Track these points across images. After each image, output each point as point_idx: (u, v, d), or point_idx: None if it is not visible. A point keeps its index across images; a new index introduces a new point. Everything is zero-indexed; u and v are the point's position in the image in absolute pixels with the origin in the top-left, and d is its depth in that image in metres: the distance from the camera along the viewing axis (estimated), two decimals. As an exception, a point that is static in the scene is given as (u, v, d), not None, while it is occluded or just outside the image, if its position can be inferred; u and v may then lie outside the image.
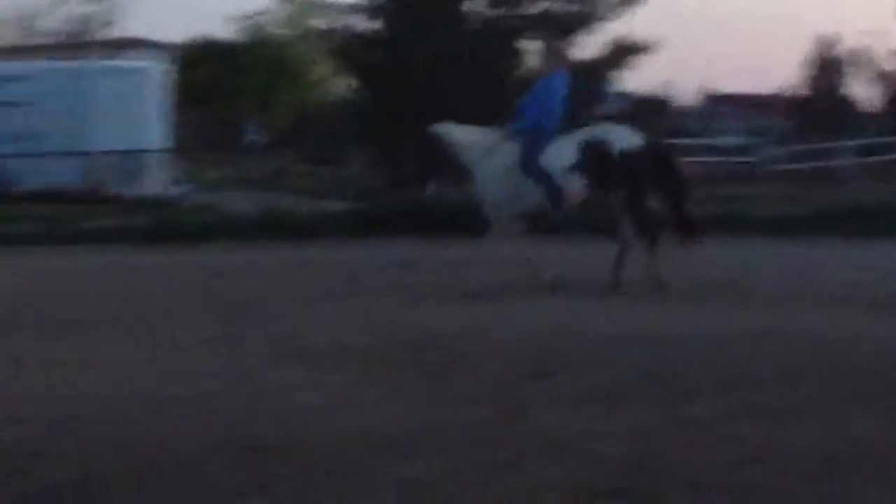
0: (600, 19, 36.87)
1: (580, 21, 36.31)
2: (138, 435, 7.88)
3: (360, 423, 8.18)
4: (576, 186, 14.85)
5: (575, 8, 36.59)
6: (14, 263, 20.12)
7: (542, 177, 14.71)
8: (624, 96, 48.84)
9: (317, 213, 25.94)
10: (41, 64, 41.13)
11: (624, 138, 15.16)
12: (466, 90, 31.67)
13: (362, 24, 36.73)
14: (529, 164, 14.71)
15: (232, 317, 13.62)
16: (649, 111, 53.68)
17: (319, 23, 45.90)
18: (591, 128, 15.86)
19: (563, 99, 15.36)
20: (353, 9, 36.62)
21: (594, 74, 38.07)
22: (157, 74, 36.51)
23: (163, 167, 33.60)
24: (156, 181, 32.25)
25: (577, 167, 14.71)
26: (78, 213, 27.04)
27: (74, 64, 40.50)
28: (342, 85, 51.24)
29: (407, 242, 21.88)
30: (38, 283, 17.45)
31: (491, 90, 32.63)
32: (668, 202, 15.54)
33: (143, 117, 33.87)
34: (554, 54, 16.54)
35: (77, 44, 53.82)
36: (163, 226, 24.89)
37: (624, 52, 38.16)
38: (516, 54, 36.25)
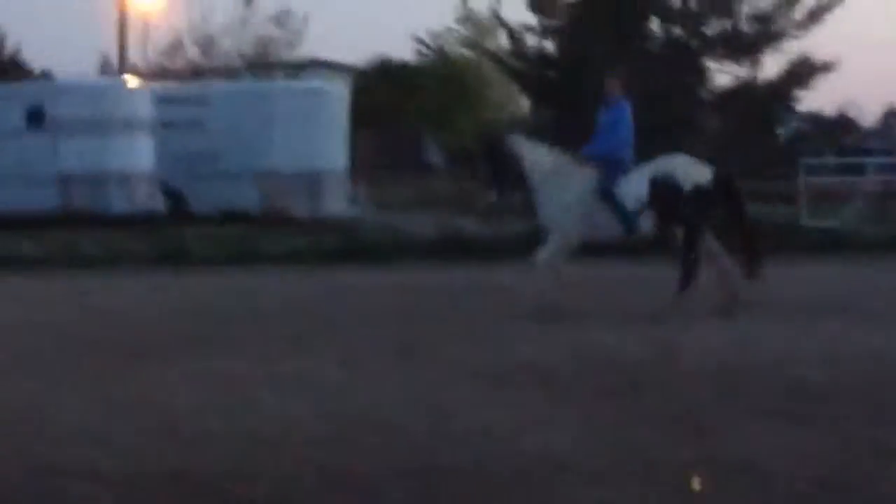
0: (782, 39, 36.53)
1: (761, 41, 36.02)
2: (325, 457, 8.04)
3: (546, 445, 8.24)
4: (648, 225, 14.98)
5: (756, 28, 36.30)
6: (203, 282, 20.69)
7: (620, 209, 14.76)
8: (804, 116, 48.46)
9: (496, 234, 26.04)
10: (222, 85, 42.15)
11: (693, 173, 15.16)
12: (644, 109, 31.68)
13: (538, 44, 36.91)
14: (608, 194, 14.72)
15: (418, 337, 13.73)
16: (830, 130, 53.24)
17: (497, 43, 46.66)
18: (662, 161, 15.56)
19: (631, 128, 15.39)
20: (530, 29, 36.80)
21: (775, 94, 37.87)
22: (337, 95, 37.14)
23: (342, 187, 34.07)
24: (335, 201, 32.72)
25: (651, 205, 14.78)
26: (259, 232, 27.49)
27: (255, 85, 41.44)
28: (520, 105, 51.89)
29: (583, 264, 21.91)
30: (228, 302, 17.88)
31: (669, 109, 32.75)
32: (735, 230, 15.56)
33: (323, 138, 34.42)
34: (617, 83, 16.14)
35: (259, 65, 54.97)
36: (344, 246, 25.21)
37: (805, 71, 37.73)
38: (698, 73, 36.08)
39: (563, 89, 34.84)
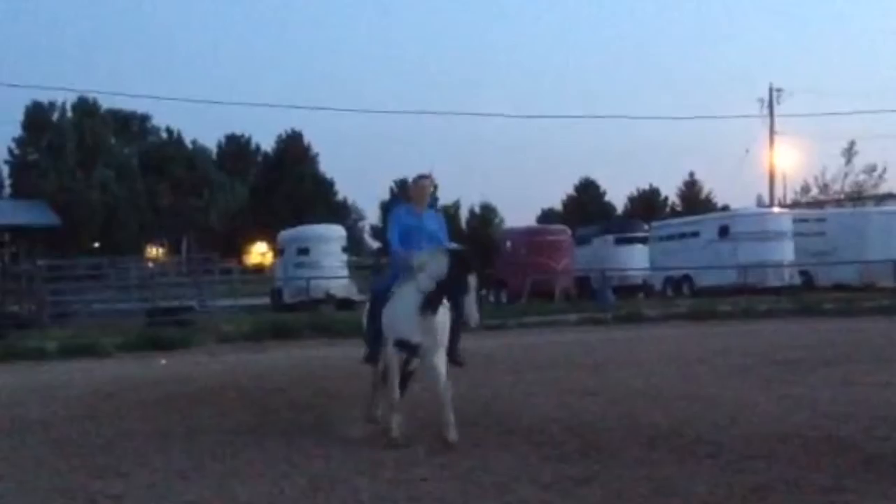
0: None
1: None
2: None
3: None
4: None
5: None
6: (829, 325, 19.89)
7: None
8: None
9: None
10: (835, 210, 41.58)
11: None
12: None
13: None
14: None
15: None
16: None
17: None
18: None
19: None
20: None
21: None
22: (907, 214, 35.34)
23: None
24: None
25: None
26: (858, 296, 26.39)
27: (855, 210, 40.23)
28: None
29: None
30: (844, 336, 16.93)
31: None
32: None
33: (893, 239, 32.61)
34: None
35: (855, 197, 53.41)
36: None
37: None
38: None
39: None
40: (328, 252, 33.83)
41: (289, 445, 7.84)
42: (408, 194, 8.36)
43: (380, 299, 7.77)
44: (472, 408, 9.44)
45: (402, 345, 7.58)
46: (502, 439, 7.71)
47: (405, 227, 8.03)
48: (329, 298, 29.85)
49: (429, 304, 7.32)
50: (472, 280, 7.21)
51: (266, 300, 33.38)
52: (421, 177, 8.26)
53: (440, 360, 7.58)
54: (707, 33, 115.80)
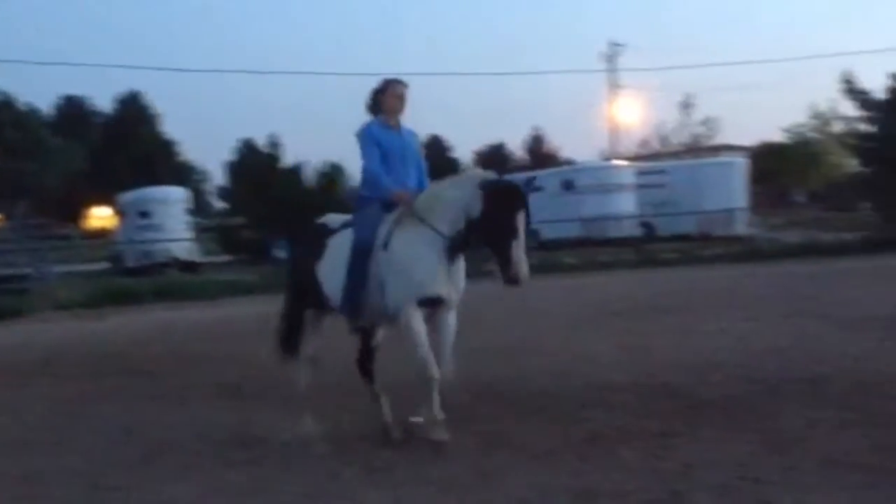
0: None
1: None
2: (750, 370, 8.08)
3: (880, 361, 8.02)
4: None
5: None
6: (666, 275, 20.59)
7: None
8: None
9: (837, 240, 24.96)
10: (673, 162, 42.77)
11: None
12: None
13: (863, 127, 34.48)
14: None
15: (791, 303, 12.99)
16: None
17: (836, 127, 45.07)
18: None
19: None
20: (856, 118, 34.53)
21: None
22: (740, 165, 36.59)
23: (744, 218, 33.30)
24: (740, 226, 32.06)
25: None
26: (697, 246, 27.35)
27: (692, 161, 41.57)
28: (850, 165, 49.80)
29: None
30: (683, 285, 17.43)
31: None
32: None
33: (733, 189, 34.00)
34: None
35: (693, 149, 55.37)
36: (746, 251, 24.87)
37: None
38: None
39: (878, 156, 32.53)
40: (171, 215, 32.91)
41: (127, 412, 7.64)
42: (378, 105, 6.36)
43: (367, 251, 5.93)
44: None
45: (427, 303, 5.82)
46: (343, 400, 7.42)
47: (386, 149, 6.19)
48: (172, 262, 29.14)
49: (456, 249, 5.82)
50: (522, 219, 5.46)
51: (107, 265, 32.23)
52: (395, 81, 6.36)
53: (454, 317, 5.99)
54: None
